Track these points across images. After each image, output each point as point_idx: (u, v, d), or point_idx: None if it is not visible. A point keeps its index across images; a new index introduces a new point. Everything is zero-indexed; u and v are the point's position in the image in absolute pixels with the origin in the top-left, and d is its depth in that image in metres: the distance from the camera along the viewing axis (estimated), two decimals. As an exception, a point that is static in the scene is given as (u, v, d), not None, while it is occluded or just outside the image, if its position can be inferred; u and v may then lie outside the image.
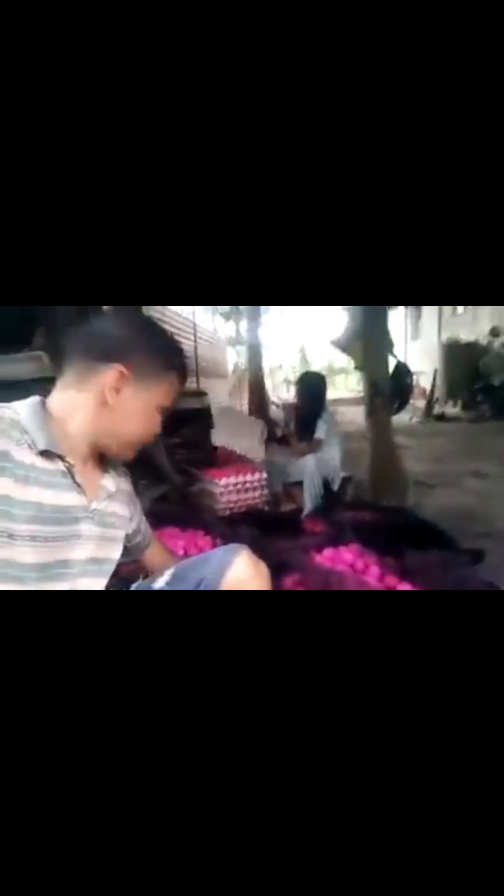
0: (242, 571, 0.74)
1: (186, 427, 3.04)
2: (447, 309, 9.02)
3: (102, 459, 0.72)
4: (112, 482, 0.73)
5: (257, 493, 2.43)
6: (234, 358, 9.58)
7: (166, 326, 0.85)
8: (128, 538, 0.79)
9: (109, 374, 0.65)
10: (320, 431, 2.47)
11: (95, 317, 0.71)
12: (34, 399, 0.66)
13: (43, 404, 0.66)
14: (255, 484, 2.42)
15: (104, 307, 0.96)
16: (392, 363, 2.70)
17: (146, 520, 0.87)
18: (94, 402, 0.66)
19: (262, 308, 8.26)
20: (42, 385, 0.69)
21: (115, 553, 0.73)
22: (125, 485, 0.78)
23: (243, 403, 7.88)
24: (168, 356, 0.70)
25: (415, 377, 3.49)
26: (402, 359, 2.90)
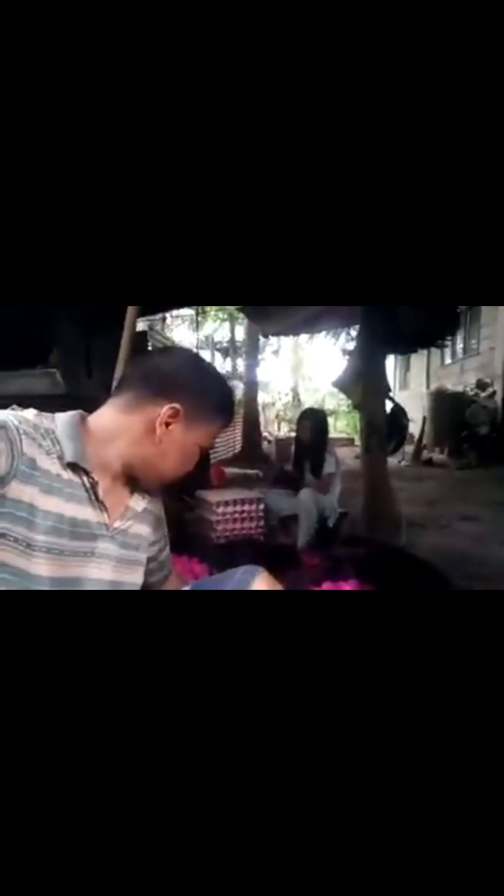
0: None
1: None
2: (435, 360, 9.38)
3: (132, 480, 0.72)
4: (140, 502, 0.73)
5: (254, 524, 2.43)
6: (229, 392, 9.69)
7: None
8: (148, 562, 0.78)
9: (165, 408, 0.67)
10: (330, 466, 2.49)
11: (158, 351, 0.73)
12: (74, 412, 0.68)
13: (82, 419, 0.67)
14: (253, 514, 2.43)
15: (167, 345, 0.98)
16: (389, 405, 2.80)
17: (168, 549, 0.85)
18: (141, 430, 0.67)
19: (259, 346, 8.49)
20: (57, 402, 0.70)
21: (136, 577, 0.72)
22: (153, 506, 0.77)
23: (236, 437, 7.95)
24: (221, 401, 0.74)
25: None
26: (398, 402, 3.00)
